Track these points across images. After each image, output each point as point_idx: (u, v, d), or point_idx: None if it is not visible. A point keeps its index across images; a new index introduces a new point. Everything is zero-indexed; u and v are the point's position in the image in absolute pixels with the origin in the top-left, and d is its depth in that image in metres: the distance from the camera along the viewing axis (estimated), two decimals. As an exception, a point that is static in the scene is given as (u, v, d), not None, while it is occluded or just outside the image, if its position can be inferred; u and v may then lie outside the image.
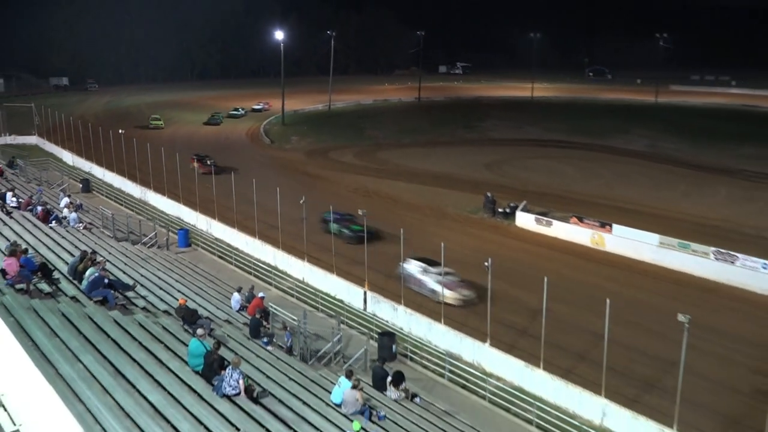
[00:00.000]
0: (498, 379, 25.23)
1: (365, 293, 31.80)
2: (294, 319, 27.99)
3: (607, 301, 22.08)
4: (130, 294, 25.01)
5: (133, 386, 16.26)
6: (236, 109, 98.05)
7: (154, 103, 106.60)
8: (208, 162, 56.70)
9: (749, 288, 34.69)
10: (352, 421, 17.46)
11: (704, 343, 25.64)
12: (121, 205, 48.83)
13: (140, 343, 19.53)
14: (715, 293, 34.34)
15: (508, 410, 23.59)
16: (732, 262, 36.58)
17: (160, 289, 28.08)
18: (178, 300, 25.17)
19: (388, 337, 26.87)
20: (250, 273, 36.37)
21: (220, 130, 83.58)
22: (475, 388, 24.93)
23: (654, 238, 40.24)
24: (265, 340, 24.36)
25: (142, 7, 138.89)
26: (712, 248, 37.73)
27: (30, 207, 35.19)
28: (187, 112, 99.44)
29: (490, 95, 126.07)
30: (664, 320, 23.88)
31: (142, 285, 27.25)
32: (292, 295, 33.52)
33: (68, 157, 63.73)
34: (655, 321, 28.35)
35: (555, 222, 44.76)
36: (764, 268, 35.24)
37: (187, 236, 40.43)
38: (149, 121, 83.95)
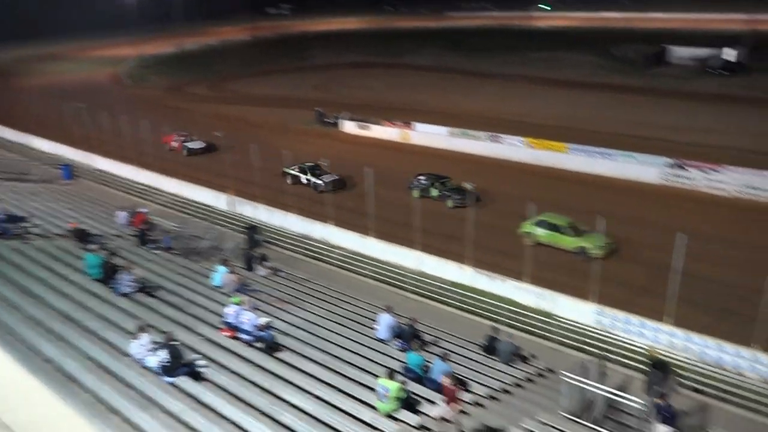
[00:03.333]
0: (341, 249, 25.84)
1: (229, 198, 30.88)
2: (175, 226, 26.84)
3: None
4: (25, 224, 22.78)
5: (41, 299, 15.12)
6: None
7: (20, 57, 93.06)
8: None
9: (513, 159, 37.26)
10: (232, 297, 17.32)
11: (485, 202, 27.51)
12: (5, 150, 43.41)
13: (42, 263, 18.04)
14: (490, 166, 36.40)
15: (351, 270, 24.43)
16: (500, 142, 39.01)
17: (52, 217, 25.75)
18: (69, 224, 23.29)
19: (252, 229, 26.46)
20: (131, 194, 34.10)
21: (82, 76, 75.02)
22: (325, 258, 25.47)
23: (445, 130, 41.86)
24: (152, 246, 23.26)
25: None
26: (486, 133, 39.94)
27: None
28: (53, 63, 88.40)
29: (315, 29, 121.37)
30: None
31: (35, 216, 24.85)
32: (171, 208, 31.95)
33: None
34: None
35: (372, 126, 45.19)
36: (520, 143, 37.97)
37: (70, 170, 36.87)
38: (529, 231, 25.93)
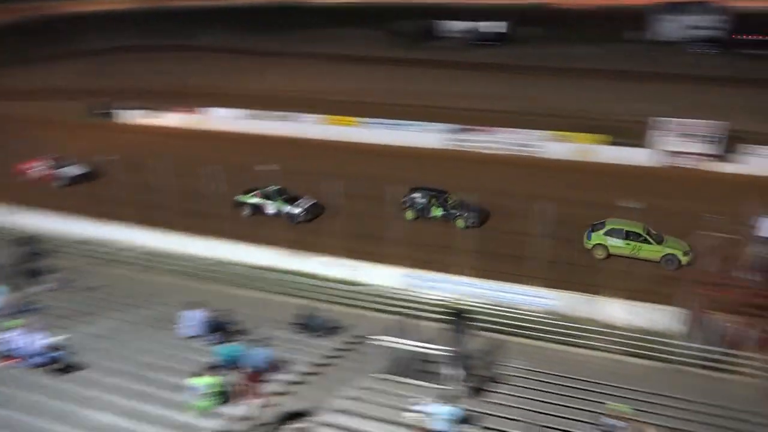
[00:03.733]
0: (141, 248, 23.97)
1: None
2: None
3: (217, 166, 22.06)
4: None
5: None
6: None
7: None
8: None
9: (308, 137, 37.58)
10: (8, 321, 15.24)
11: (288, 175, 26.90)
12: None
13: None
14: (287, 145, 36.11)
15: (154, 270, 22.62)
16: (294, 121, 39.20)
17: None
18: None
19: (28, 240, 23.26)
20: None
21: None
22: (123, 260, 23.31)
23: (239, 112, 40.83)
24: None
25: None
26: (279, 112, 39.83)
27: None
28: None
29: (84, 10, 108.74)
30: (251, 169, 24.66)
31: None
32: None
33: None
34: (245, 171, 28.70)
35: (161, 113, 42.43)
36: (313, 121, 38.52)
37: None
38: (600, 243, 22.40)
